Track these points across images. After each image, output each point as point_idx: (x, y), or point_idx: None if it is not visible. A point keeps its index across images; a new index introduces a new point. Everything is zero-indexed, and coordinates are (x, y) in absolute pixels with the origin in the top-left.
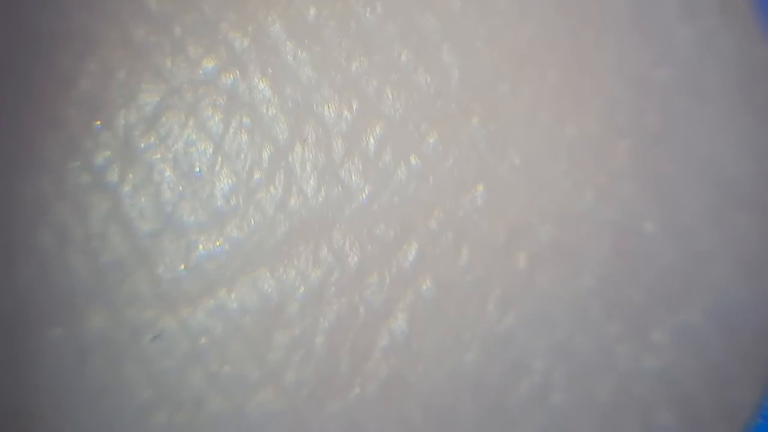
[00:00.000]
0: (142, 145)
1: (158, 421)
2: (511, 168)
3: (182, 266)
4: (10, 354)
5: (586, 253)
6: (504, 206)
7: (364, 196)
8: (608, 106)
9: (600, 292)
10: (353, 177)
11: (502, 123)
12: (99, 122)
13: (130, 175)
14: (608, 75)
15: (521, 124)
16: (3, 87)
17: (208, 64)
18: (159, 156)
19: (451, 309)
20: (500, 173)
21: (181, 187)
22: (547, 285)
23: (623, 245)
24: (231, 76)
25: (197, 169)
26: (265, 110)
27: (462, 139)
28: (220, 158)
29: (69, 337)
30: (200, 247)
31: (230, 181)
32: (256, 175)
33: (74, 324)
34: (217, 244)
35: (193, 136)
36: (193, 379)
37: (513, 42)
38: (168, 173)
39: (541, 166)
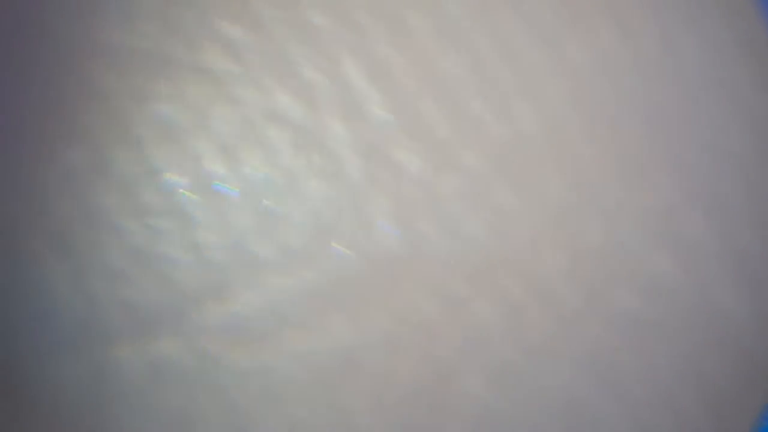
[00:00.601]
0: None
1: None
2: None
3: (254, 302)
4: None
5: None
6: (584, 269)
7: (437, 246)
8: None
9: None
10: (427, 226)
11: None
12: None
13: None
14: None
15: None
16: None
17: (282, 97)
18: (233, 186)
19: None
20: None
21: (255, 222)
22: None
23: None
24: (302, 109)
25: (271, 204)
26: (338, 150)
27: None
28: (294, 195)
29: (138, 359)
30: (273, 283)
31: (305, 219)
32: (330, 216)
33: (144, 346)
34: (289, 283)
35: (267, 169)
36: (264, 417)
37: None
38: (241, 205)
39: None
